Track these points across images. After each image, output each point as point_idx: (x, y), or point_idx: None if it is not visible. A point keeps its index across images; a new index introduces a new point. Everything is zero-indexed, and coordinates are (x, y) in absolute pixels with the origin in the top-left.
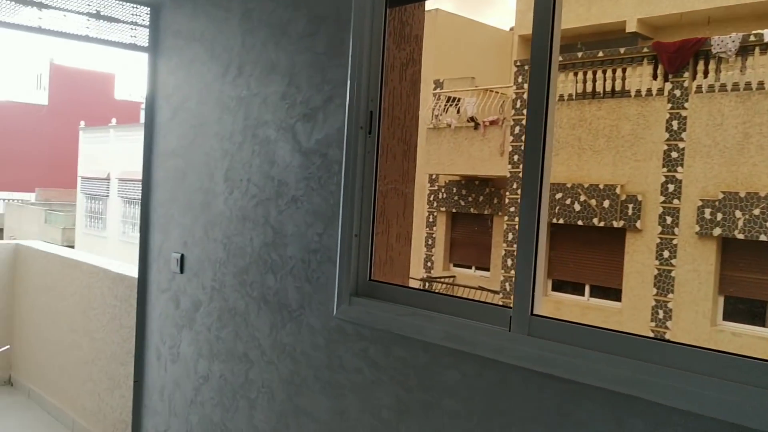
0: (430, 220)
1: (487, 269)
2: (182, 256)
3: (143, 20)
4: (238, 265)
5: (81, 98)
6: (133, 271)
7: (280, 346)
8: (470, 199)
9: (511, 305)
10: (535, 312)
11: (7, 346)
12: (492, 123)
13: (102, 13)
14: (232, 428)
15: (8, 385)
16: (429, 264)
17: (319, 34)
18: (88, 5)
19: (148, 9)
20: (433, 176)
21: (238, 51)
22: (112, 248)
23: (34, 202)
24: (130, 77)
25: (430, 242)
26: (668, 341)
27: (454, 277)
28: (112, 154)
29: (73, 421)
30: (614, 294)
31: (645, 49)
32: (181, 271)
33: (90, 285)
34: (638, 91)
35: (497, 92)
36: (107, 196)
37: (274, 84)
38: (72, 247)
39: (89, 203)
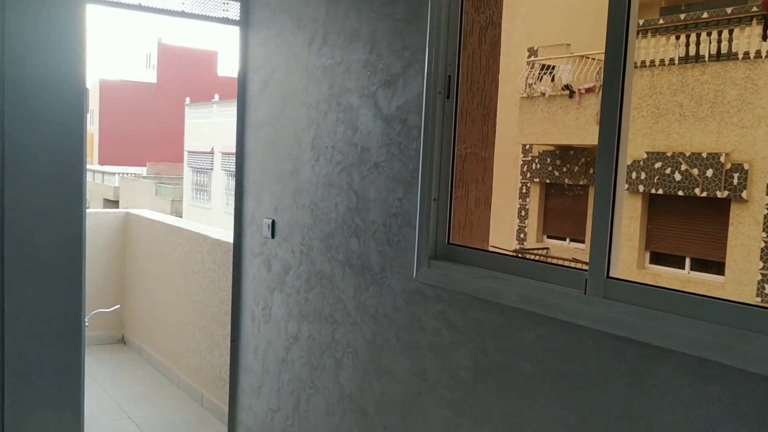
0: (524, 191)
1: (582, 241)
2: (273, 222)
3: None
4: (325, 230)
5: (186, 76)
6: (229, 238)
7: (363, 308)
8: (565, 169)
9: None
10: (611, 275)
11: (117, 306)
12: (588, 90)
13: None
14: (319, 386)
15: (122, 344)
16: (522, 236)
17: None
18: None
19: None
20: (527, 147)
21: (323, 20)
22: (216, 219)
23: (145, 176)
24: (232, 55)
25: (523, 213)
26: (752, 305)
27: (547, 248)
28: (215, 129)
29: (178, 377)
30: (716, 267)
31: (754, 9)
32: (272, 236)
33: (191, 251)
34: (746, 54)
35: (593, 58)
36: (211, 169)
37: (356, 52)
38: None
39: (195, 176)
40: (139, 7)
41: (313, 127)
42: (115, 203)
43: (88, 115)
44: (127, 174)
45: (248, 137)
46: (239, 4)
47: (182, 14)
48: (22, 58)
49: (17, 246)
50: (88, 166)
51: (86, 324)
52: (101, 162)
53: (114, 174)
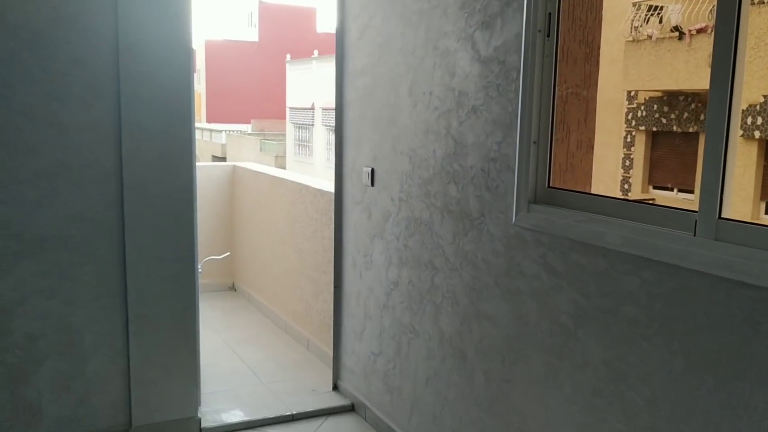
0: (628, 140)
1: (691, 191)
2: (372, 170)
3: None
4: (423, 177)
5: (286, 33)
6: (330, 188)
7: (462, 254)
8: (673, 116)
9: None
10: (723, 215)
11: (227, 253)
12: (699, 31)
13: None
14: (419, 330)
15: (232, 291)
16: (626, 186)
17: None
18: None
19: None
20: (632, 93)
21: None
22: (318, 173)
23: (250, 132)
24: (330, 11)
25: (627, 163)
26: None
27: (653, 199)
28: (315, 85)
29: (285, 323)
30: None
31: None
32: (372, 184)
33: (294, 201)
34: None
35: None
36: (312, 124)
37: None
38: None
39: (297, 132)
40: None
41: (410, 73)
42: (222, 160)
43: (196, 75)
44: (233, 131)
45: (346, 87)
46: None
47: None
48: (134, 21)
49: (135, 195)
50: (197, 124)
51: (199, 270)
52: (209, 120)
53: (221, 131)
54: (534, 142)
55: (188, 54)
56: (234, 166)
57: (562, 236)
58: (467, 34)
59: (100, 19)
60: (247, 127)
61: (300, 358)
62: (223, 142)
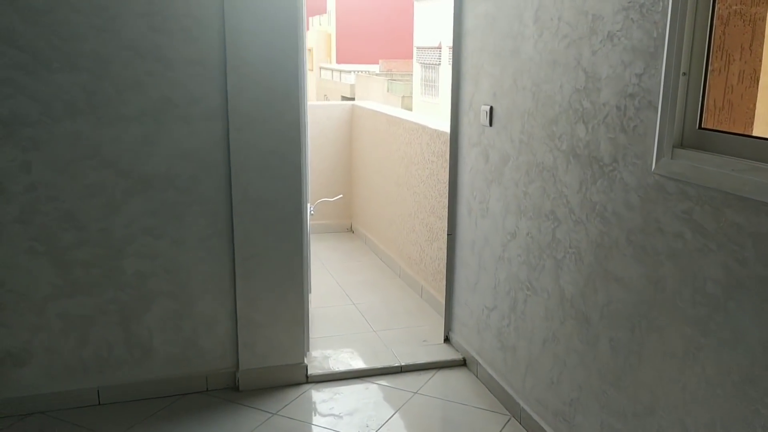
0: None
1: None
2: (491, 109)
3: None
4: (547, 116)
5: None
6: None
7: (589, 205)
8: None
9: None
10: None
11: (340, 195)
12: None
13: None
14: (537, 287)
15: (350, 232)
16: None
17: None
18: None
19: None
20: None
21: None
22: (444, 113)
23: (378, 73)
24: None
25: None
26: None
27: None
28: (443, 24)
29: (400, 268)
30: None
31: None
32: (490, 123)
33: (410, 141)
34: None
35: None
36: (439, 64)
37: None
38: None
39: (424, 72)
40: None
41: None
42: (350, 100)
43: (326, 16)
44: (361, 72)
45: (466, 15)
46: None
47: None
48: None
49: (241, 134)
50: (327, 65)
51: (311, 212)
52: (338, 61)
53: (350, 72)
54: (683, 74)
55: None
56: (353, 105)
57: (714, 188)
58: None
59: None
60: (375, 68)
61: (413, 306)
62: (352, 82)
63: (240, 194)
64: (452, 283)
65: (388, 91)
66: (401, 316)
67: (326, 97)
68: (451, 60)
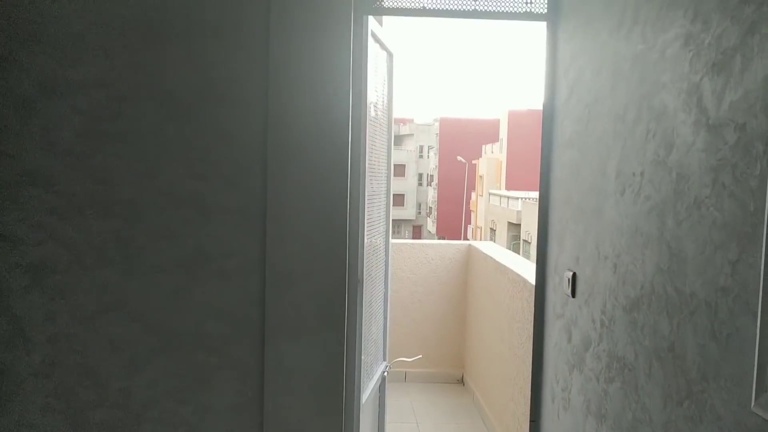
0: None
1: None
2: (574, 275)
3: None
4: (629, 296)
5: None
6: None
7: (674, 430)
8: None
9: None
10: None
11: (419, 356)
12: None
13: None
14: None
15: (460, 384)
16: None
17: None
18: None
19: None
20: None
21: None
22: None
23: None
24: None
25: None
26: None
27: None
28: None
29: None
30: None
31: None
32: (572, 294)
33: (513, 294)
34: None
35: None
36: None
37: (674, 25)
38: None
39: None
40: (423, 11)
41: (618, 144)
42: (517, 226)
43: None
44: (528, 198)
45: (553, 160)
46: None
47: (474, 14)
48: (285, 90)
49: (278, 291)
50: (496, 191)
51: (386, 372)
52: (508, 187)
53: (517, 199)
54: None
55: (345, 127)
56: (469, 245)
57: None
58: (691, 83)
59: (250, 89)
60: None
61: None
62: (519, 209)
63: (273, 360)
64: None
65: None
66: None
67: (493, 223)
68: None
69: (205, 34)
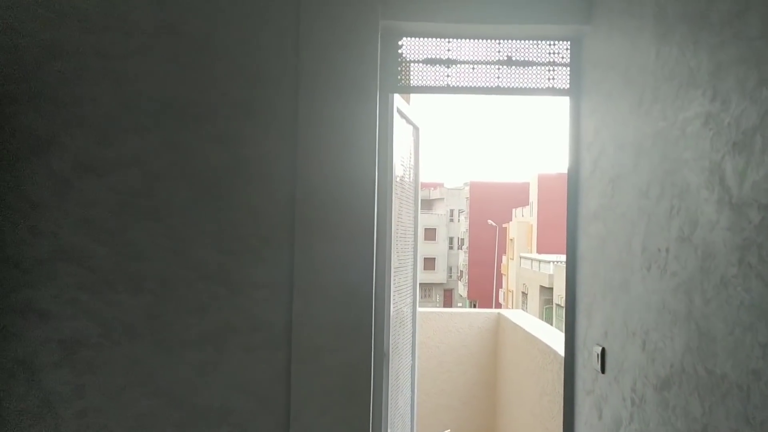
0: None
1: None
2: (603, 351)
3: (562, 58)
4: (659, 375)
5: None
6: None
7: None
8: None
9: None
10: None
11: (448, 430)
12: None
13: (514, 59)
14: None
15: None
16: None
17: (750, 9)
18: (498, 52)
19: (568, 44)
20: None
21: (653, 67)
22: None
23: None
24: None
25: None
26: None
27: None
28: None
29: None
30: None
31: None
32: (602, 370)
33: (543, 366)
34: None
35: None
36: None
37: (693, 104)
38: None
39: None
40: (447, 89)
41: (643, 220)
42: (549, 290)
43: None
44: (559, 261)
45: (579, 235)
46: (568, 68)
47: (498, 90)
48: (313, 165)
49: (305, 366)
50: (527, 255)
51: None
52: (539, 250)
53: (549, 262)
54: None
55: (371, 199)
56: (499, 314)
57: None
58: (712, 162)
59: (279, 166)
60: None
61: None
62: (551, 272)
63: None
64: None
65: None
66: None
67: (525, 286)
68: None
69: (235, 113)
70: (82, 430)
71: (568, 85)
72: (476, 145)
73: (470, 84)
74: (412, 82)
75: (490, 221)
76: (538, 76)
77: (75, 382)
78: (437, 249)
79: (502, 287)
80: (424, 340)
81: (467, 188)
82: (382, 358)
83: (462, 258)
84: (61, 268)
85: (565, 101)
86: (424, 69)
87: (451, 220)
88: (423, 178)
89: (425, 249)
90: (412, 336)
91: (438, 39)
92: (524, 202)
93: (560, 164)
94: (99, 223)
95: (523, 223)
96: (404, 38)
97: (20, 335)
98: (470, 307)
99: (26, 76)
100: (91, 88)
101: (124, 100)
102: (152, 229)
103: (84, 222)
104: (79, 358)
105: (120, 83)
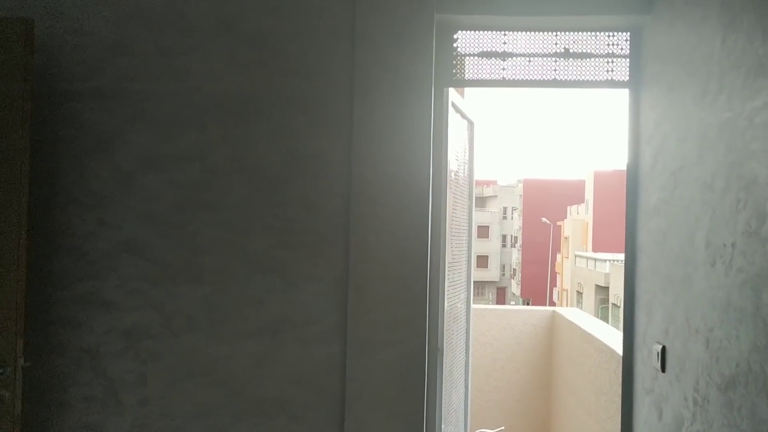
0: None
1: None
2: (663, 349)
3: (621, 49)
4: (723, 374)
5: None
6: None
7: None
8: None
9: None
10: None
11: (502, 428)
12: None
13: (571, 50)
14: None
15: None
16: None
17: None
18: (555, 44)
19: (627, 34)
20: None
21: (718, 57)
22: None
23: None
24: None
25: None
26: None
27: None
28: None
29: None
30: None
31: None
32: (662, 368)
33: (600, 365)
34: None
35: None
36: None
37: (761, 93)
38: None
39: None
40: (503, 82)
41: (707, 214)
42: (605, 289)
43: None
44: (616, 260)
45: (639, 228)
46: (627, 60)
47: (555, 83)
48: (368, 161)
49: (359, 359)
50: (581, 253)
51: None
52: (594, 249)
53: (605, 261)
54: None
55: (426, 194)
56: (554, 311)
57: None
58: None
59: (334, 161)
60: None
61: None
62: (607, 271)
63: (353, 429)
64: None
65: None
66: None
67: (580, 285)
68: None
69: (291, 109)
70: (144, 418)
71: (627, 77)
72: (530, 141)
73: (526, 77)
74: (466, 75)
75: (544, 219)
76: (596, 68)
77: (137, 371)
78: (490, 247)
79: (556, 286)
80: (478, 336)
81: (520, 186)
82: (436, 353)
83: (515, 256)
84: (124, 260)
85: (622, 94)
86: (480, 62)
87: (504, 218)
88: (476, 175)
89: (478, 246)
90: (466, 332)
91: (493, 32)
92: (579, 199)
93: (617, 161)
94: (161, 216)
95: (578, 221)
96: (459, 32)
97: (86, 324)
98: (524, 305)
99: (91, 74)
100: (152, 85)
101: (183, 96)
102: (211, 223)
103: (146, 215)
104: (141, 348)
105: (180, 80)
